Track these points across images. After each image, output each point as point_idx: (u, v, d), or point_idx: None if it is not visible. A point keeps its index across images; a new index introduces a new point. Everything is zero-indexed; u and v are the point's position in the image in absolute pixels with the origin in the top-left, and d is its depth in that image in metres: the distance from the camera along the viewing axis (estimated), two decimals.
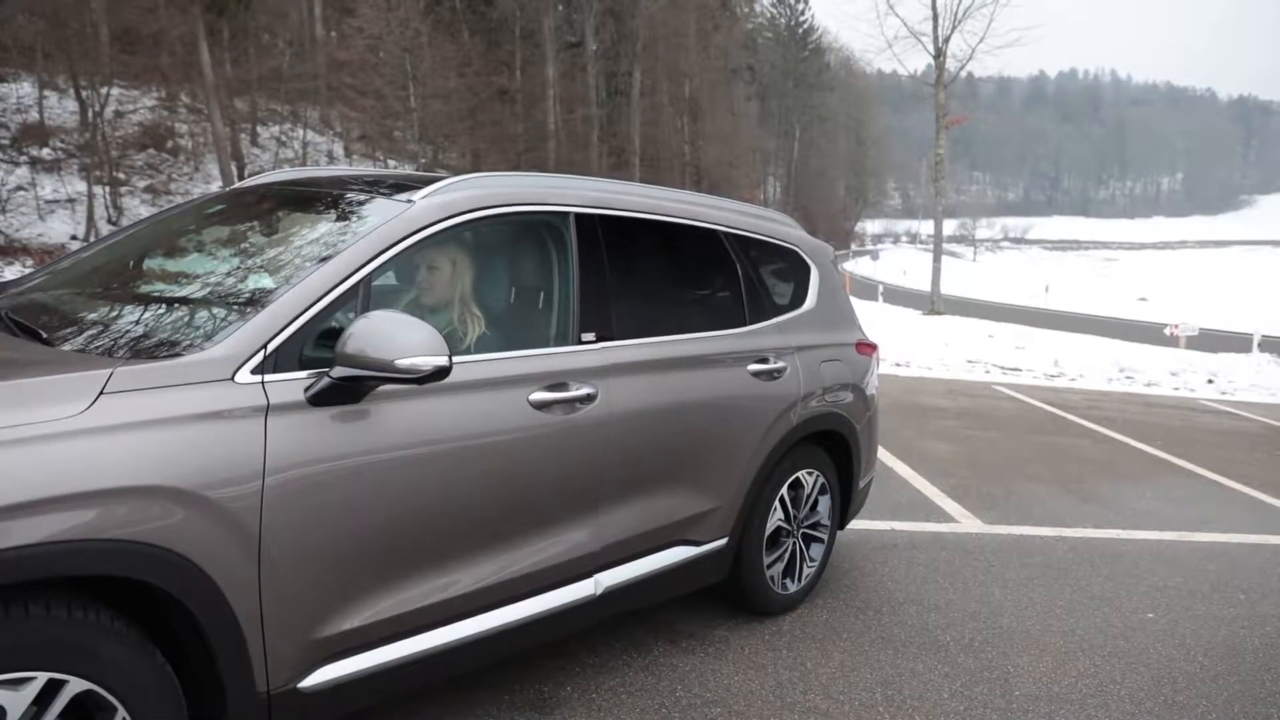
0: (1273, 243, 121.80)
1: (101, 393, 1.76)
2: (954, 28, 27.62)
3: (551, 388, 2.58)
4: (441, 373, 2.06)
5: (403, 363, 1.98)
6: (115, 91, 18.38)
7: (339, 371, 2.02)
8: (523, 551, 2.54)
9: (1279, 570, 4.90)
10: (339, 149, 25.78)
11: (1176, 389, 13.09)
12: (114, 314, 2.29)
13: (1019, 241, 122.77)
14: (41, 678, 1.67)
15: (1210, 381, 13.80)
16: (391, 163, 25.44)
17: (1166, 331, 20.10)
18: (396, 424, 2.19)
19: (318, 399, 2.03)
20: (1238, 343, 18.68)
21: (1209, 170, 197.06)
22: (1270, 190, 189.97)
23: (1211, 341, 19.43)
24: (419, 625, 2.29)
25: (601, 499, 2.77)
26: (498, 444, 2.44)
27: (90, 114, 17.27)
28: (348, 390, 2.06)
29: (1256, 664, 3.65)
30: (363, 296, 2.21)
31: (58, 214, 16.26)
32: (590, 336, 2.75)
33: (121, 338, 2.11)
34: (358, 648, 2.16)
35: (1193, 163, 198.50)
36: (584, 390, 2.66)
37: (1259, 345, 17.62)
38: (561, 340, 2.71)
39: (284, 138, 23.95)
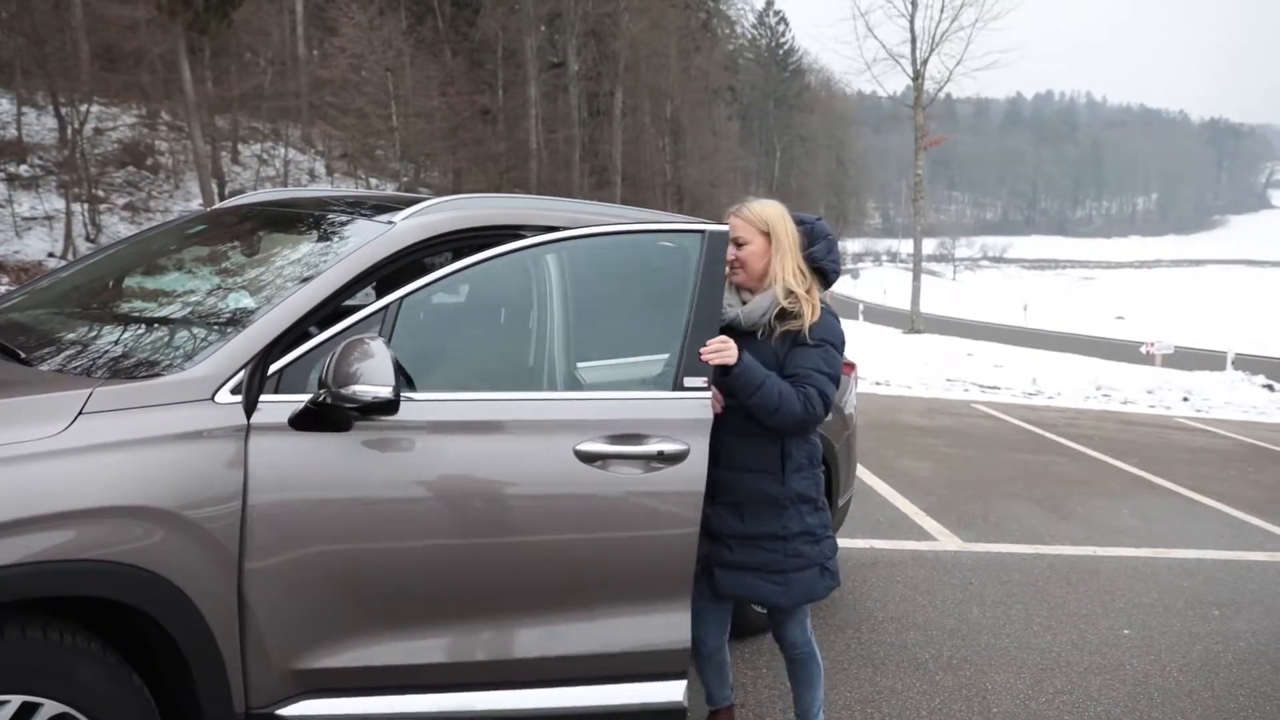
0: (1244, 261, 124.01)
1: (80, 413, 1.76)
2: (932, 50, 28.04)
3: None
4: (386, 405, 1.94)
5: (345, 390, 1.91)
6: (95, 108, 18.27)
7: (313, 396, 1.99)
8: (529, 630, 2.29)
9: (1252, 586, 4.96)
10: (320, 167, 25.74)
11: (1152, 407, 13.24)
12: (93, 334, 2.28)
13: (998, 260, 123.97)
14: (15, 701, 1.66)
15: (1185, 399, 13.96)
16: (373, 182, 25.43)
17: (1142, 350, 20.31)
18: (391, 460, 2.10)
19: (297, 422, 2.00)
20: (1212, 361, 18.90)
21: (1182, 191, 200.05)
22: (1242, 210, 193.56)
23: (1186, 359, 19.66)
24: (413, 684, 2.15)
25: None
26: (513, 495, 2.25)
27: (69, 131, 17.16)
28: (327, 416, 1.99)
29: (1230, 679, 3.70)
30: (390, 318, 2.15)
31: (35, 231, 16.12)
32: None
33: (101, 358, 2.11)
34: (344, 690, 2.09)
35: (1167, 183, 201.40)
36: None
37: (1232, 363, 17.84)
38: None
39: (265, 156, 23.89)
